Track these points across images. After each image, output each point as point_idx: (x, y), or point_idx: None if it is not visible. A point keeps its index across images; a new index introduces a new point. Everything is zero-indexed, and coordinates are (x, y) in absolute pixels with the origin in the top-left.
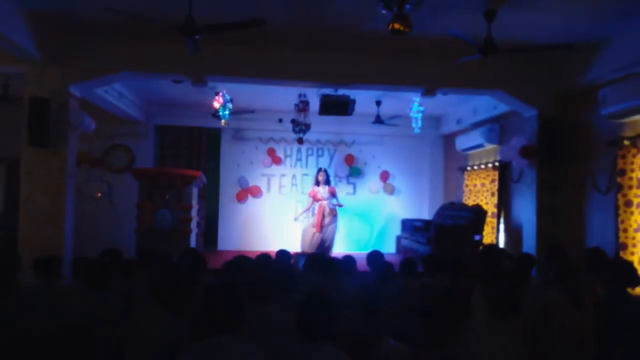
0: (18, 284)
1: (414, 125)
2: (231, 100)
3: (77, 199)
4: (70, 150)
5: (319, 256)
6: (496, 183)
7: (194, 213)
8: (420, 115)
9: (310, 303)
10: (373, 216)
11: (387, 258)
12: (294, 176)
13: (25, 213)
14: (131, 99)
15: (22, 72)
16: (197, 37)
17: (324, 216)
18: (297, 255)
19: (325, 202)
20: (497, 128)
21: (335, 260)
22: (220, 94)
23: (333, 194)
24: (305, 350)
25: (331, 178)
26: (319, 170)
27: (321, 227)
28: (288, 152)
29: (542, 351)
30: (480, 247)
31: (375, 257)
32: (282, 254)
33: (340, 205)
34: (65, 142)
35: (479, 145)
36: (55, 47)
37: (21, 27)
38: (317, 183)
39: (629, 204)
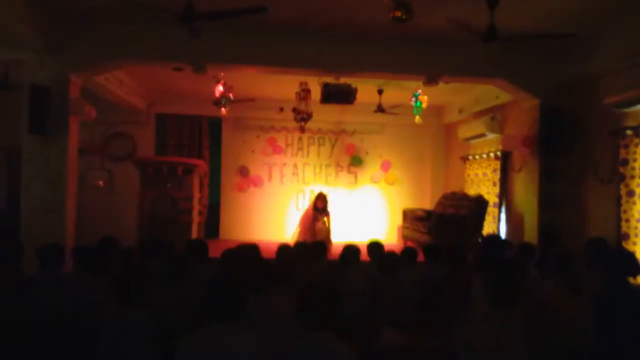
0: (20, 272)
1: (415, 113)
2: (231, 88)
3: (78, 187)
4: (70, 138)
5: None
6: (498, 172)
7: (195, 202)
8: (420, 103)
9: (311, 292)
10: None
11: (389, 248)
12: (295, 165)
13: (26, 201)
14: (132, 86)
15: (22, 60)
16: (196, 25)
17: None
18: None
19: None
20: (499, 117)
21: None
22: (221, 81)
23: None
24: (306, 339)
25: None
26: (320, 196)
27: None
28: (289, 141)
29: (540, 340)
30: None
31: (376, 247)
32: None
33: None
34: (65, 130)
35: (481, 135)
36: (56, 35)
37: (21, 15)
38: (317, 209)
39: (631, 194)
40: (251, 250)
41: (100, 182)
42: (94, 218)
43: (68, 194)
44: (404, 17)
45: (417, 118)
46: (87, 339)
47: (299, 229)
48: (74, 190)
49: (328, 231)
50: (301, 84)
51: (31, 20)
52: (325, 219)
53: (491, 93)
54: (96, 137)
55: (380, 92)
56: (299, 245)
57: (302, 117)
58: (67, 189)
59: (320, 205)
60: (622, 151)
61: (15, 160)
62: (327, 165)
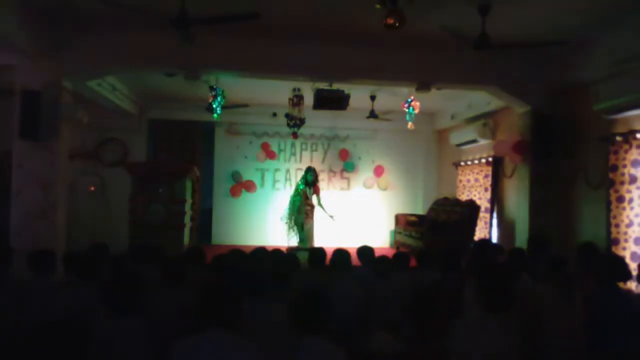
0: (11, 277)
1: (407, 119)
2: (224, 94)
3: (69, 192)
4: (62, 143)
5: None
6: (490, 178)
7: (187, 207)
8: (412, 110)
9: (304, 297)
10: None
11: (382, 253)
12: (287, 171)
13: (16, 207)
14: (124, 92)
15: (13, 65)
16: (190, 30)
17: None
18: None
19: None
20: (491, 123)
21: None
22: (214, 87)
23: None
24: (299, 344)
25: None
26: (309, 169)
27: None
28: (282, 147)
29: (533, 345)
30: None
31: (367, 252)
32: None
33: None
34: (57, 135)
35: (473, 141)
36: (48, 40)
37: (13, 19)
38: (307, 183)
39: (621, 199)
40: (243, 255)
41: (92, 188)
42: (86, 223)
43: (59, 199)
44: (396, 24)
45: (410, 124)
46: (79, 345)
47: (289, 210)
48: (65, 195)
49: (313, 229)
50: (294, 89)
51: (23, 25)
52: (314, 195)
53: (483, 99)
54: (88, 142)
55: (373, 98)
56: (292, 250)
57: (295, 122)
58: (58, 194)
59: (310, 178)
60: (612, 157)
61: (6, 164)
62: (320, 171)
